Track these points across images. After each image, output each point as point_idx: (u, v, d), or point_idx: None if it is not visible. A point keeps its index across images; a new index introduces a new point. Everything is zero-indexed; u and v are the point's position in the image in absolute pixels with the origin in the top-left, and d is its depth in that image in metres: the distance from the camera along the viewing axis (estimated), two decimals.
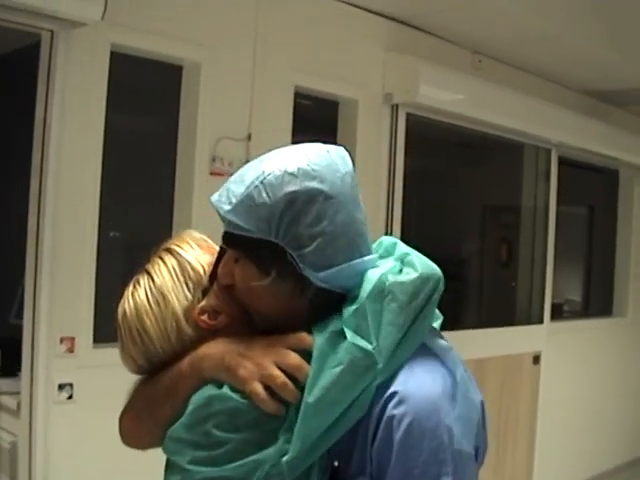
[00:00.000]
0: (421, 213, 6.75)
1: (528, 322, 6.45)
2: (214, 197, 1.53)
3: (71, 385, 3.63)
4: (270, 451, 1.43)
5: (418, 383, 1.44)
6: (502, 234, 7.11)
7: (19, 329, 3.73)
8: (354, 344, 1.42)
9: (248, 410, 1.46)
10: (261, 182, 1.46)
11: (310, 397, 1.41)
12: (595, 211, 8.31)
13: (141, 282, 1.65)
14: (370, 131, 4.98)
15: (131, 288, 1.66)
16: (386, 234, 4.90)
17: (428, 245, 6.57)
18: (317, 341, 1.45)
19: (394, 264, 1.54)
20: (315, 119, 5.18)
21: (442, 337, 1.59)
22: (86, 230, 3.69)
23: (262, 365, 1.47)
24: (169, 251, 1.67)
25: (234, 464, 1.44)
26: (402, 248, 1.60)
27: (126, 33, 3.76)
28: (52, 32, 3.54)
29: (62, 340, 3.60)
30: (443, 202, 7.00)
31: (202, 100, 4.06)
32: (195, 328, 1.60)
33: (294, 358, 1.46)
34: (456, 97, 5.31)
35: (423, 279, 1.52)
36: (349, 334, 1.44)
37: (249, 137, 4.15)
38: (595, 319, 7.84)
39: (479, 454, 1.55)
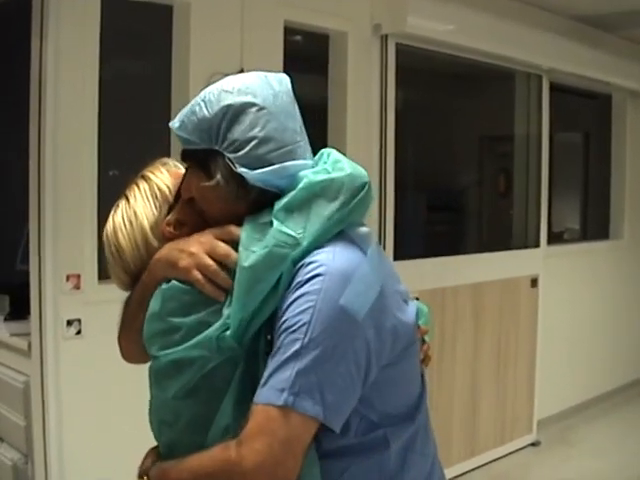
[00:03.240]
0: (418, 146, 6.80)
1: (525, 246, 6.51)
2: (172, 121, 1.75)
3: (79, 321, 3.73)
4: (215, 326, 1.61)
5: (334, 256, 1.59)
6: (499, 163, 7.17)
7: (25, 274, 3.81)
8: (279, 230, 1.60)
9: (193, 294, 1.66)
10: (202, 100, 1.69)
11: (237, 276, 1.60)
12: (590, 137, 8.34)
13: (120, 205, 1.87)
14: (361, 64, 5.00)
15: (112, 212, 1.88)
16: (380, 168, 4.97)
17: (426, 178, 6.71)
18: (246, 230, 1.64)
19: (324, 167, 1.70)
20: (307, 56, 5.21)
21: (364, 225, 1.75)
22: (86, 169, 3.75)
23: (197, 255, 1.67)
24: (143, 177, 1.90)
25: (189, 343, 1.63)
26: (335, 155, 1.76)
27: None
28: None
29: (68, 277, 3.68)
30: (440, 134, 7.04)
31: (193, 38, 4.09)
32: (161, 241, 1.79)
33: (222, 247, 1.67)
34: (445, 25, 5.30)
35: (350, 177, 1.68)
36: (276, 223, 1.61)
37: (241, 72, 4.16)
38: (592, 242, 7.94)
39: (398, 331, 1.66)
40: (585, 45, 6.61)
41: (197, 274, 1.65)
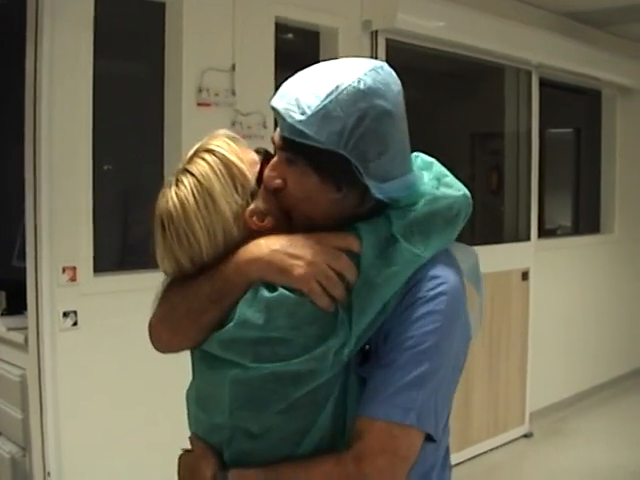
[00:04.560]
0: (410, 144, 6.83)
1: (516, 240, 6.56)
2: (279, 105, 1.58)
3: (75, 312, 3.76)
4: (334, 342, 1.53)
5: (451, 272, 1.61)
6: (491, 160, 7.20)
7: (22, 271, 3.84)
8: (409, 250, 1.56)
9: (306, 307, 1.55)
10: (336, 97, 1.53)
11: (363, 292, 1.55)
12: (581, 133, 8.39)
13: (185, 182, 1.64)
14: None
15: (173, 187, 1.65)
16: None
17: None
18: (367, 244, 1.57)
19: (434, 182, 1.69)
20: (298, 54, 5.25)
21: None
22: (81, 164, 3.79)
23: (316, 265, 1.55)
24: (210, 151, 1.67)
25: (301, 358, 1.54)
26: (438, 167, 1.75)
27: None
28: None
29: (64, 270, 3.72)
30: (431, 131, 7.08)
31: (186, 34, 4.13)
32: (241, 231, 1.63)
33: (346, 260, 1.57)
34: (435, 22, 5.34)
35: (465, 198, 1.70)
36: (402, 240, 1.57)
37: (233, 67, 4.24)
38: (583, 236, 8.00)
39: None
40: (574, 41, 6.64)
41: (316, 286, 1.54)
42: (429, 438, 1.57)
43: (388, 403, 1.51)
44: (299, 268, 1.55)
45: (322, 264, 1.55)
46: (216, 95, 4.17)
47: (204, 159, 1.65)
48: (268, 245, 1.59)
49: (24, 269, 3.81)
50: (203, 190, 1.62)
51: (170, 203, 1.64)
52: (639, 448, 6.21)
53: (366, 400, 1.54)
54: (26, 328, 3.83)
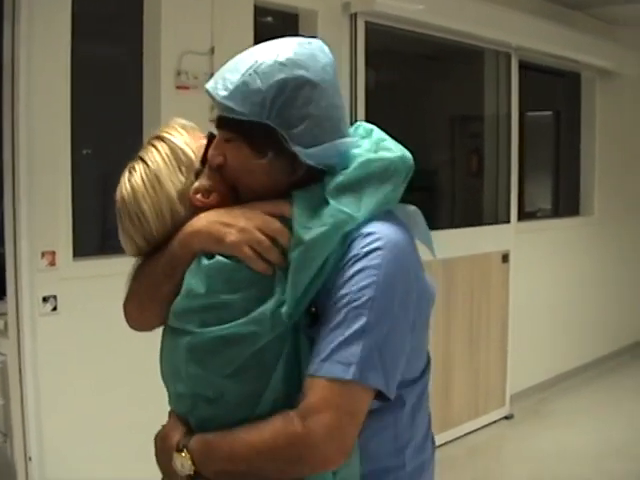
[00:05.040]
0: (388, 126, 6.84)
1: (496, 222, 6.58)
2: (209, 85, 1.70)
3: (55, 297, 3.75)
4: (270, 304, 1.60)
5: (389, 229, 1.64)
6: (471, 143, 7.21)
7: (1, 256, 3.84)
8: (339, 209, 1.61)
9: (242, 271, 1.63)
10: (254, 70, 1.64)
11: (295, 252, 1.60)
12: (561, 115, 8.42)
13: (136, 168, 1.77)
14: (331, 43, 4.94)
15: (127, 174, 1.78)
16: None
17: None
18: (299, 207, 1.64)
19: (371, 146, 1.73)
20: (277, 37, 5.23)
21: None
22: (60, 148, 3.77)
23: (247, 231, 1.64)
24: (160, 138, 1.80)
25: (242, 319, 1.61)
26: (377, 132, 1.80)
27: None
28: None
29: (43, 254, 3.71)
30: (410, 115, 7.08)
31: (164, 16, 4.11)
32: (187, 209, 1.74)
33: (277, 224, 1.65)
34: (414, 4, 5.32)
35: (402, 159, 1.73)
36: (332, 202, 1.62)
37: (212, 50, 4.22)
38: (563, 219, 8.06)
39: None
40: (554, 23, 6.66)
41: (247, 250, 1.63)
42: (384, 398, 1.61)
43: (329, 360, 1.55)
44: (231, 235, 1.64)
45: (253, 230, 1.64)
46: (195, 78, 4.15)
47: (154, 146, 1.79)
48: (207, 217, 1.70)
49: (3, 254, 3.79)
50: (151, 173, 1.75)
51: (124, 189, 1.78)
52: (620, 429, 6.27)
53: (311, 360, 1.58)
54: (5, 314, 3.82)
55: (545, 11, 6.77)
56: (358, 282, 1.57)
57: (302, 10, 4.97)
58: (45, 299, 3.73)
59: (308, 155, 1.65)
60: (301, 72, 1.65)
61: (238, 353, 1.62)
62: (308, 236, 1.59)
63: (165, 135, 1.80)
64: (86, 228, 4.18)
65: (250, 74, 1.64)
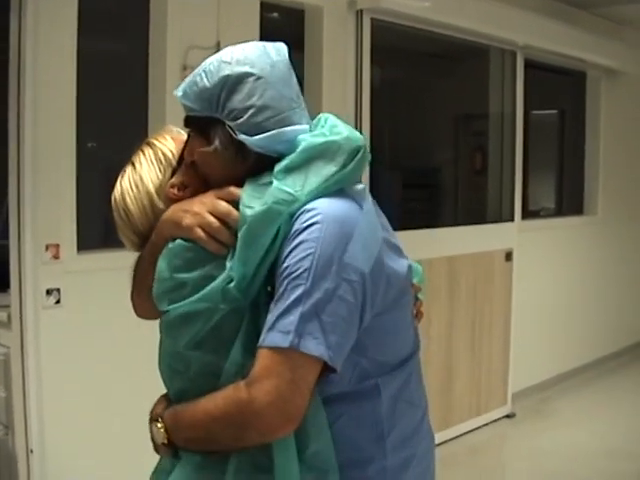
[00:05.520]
0: (394, 124, 6.84)
1: (499, 220, 6.57)
2: (177, 90, 1.85)
3: (58, 290, 3.76)
4: (219, 279, 1.71)
5: (332, 204, 1.69)
6: (475, 141, 7.21)
7: (5, 249, 3.83)
8: (278, 188, 1.69)
9: (196, 251, 1.76)
10: (203, 70, 1.79)
11: (241, 231, 1.69)
12: (566, 114, 8.41)
13: (126, 171, 1.96)
14: (336, 39, 5.02)
15: (120, 177, 1.97)
16: None
17: (402, 155, 6.76)
18: (246, 190, 1.74)
19: (322, 131, 1.80)
20: (283, 33, 5.23)
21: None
22: (65, 141, 3.78)
23: (199, 214, 1.77)
24: (148, 144, 1.98)
25: (194, 297, 1.73)
26: (332, 120, 1.85)
27: None
28: None
29: (47, 247, 3.71)
30: (415, 112, 7.09)
31: (170, 11, 4.12)
32: (166, 202, 1.89)
33: (223, 206, 1.77)
34: (420, 1, 5.31)
35: (347, 140, 1.78)
36: (275, 182, 1.71)
37: (218, 45, 4.21)
38: (566, 217, 8.05)
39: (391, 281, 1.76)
40: (560, 22, 6.65)
41: (199, 231, 1.75)
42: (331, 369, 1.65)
43: (271, 330, 1.62)
44: (186, 219, 1.78)
45: (205, 213, 1.77)
46: None
47: (142, 151, 1.98)
48: (174, 207, 1.85)
49: (7, 247, 3.80)
50: (136, 174, 1.94)
51: (116, 190, 1.96)
52: (620, 429, 6.28)
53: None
54: (9, 306, 3.82)
55: (551, 9, 6.75)
56: (296, 255, 1.64)
57: (308, 6, 4.95)
58: (49, 292, 3.74)
59: (254, 142, 1.75)
60: (244, 68, 1.77)
61: (198, 328, 1.73)
62: (250, 214, 1.68)
63: (152, 141, 1.99)
64: (90, 221, 4.18)
65: (200, 74, 1.79)
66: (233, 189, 1.77)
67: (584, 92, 8.06)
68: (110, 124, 4.42)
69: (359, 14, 5.11)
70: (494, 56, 6.68)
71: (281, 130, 1.76)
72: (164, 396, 1.91)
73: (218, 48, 4.20)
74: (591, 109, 8.05)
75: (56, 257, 3.74)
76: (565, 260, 7.46)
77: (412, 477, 1.83)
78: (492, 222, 6.55)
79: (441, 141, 7.52)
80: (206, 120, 1.78)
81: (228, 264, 1.71)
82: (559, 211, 8.37)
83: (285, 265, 1.65)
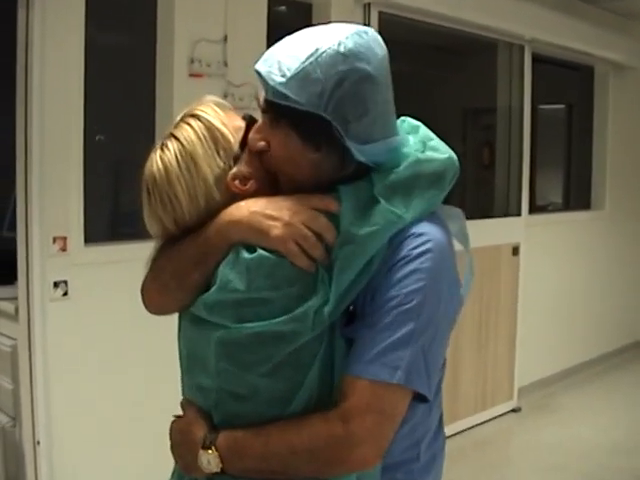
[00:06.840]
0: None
1: (507, 214, 6.57)
2: (262, 68, 1.61)
3: (65, 282, 3.76)
4: (313, 302, 1.54)
5: (437, 231, 1.61)
6: (483, 135, 7.21)
7: (12, 242, 3.84)
8: (389, 210, 1.56)
9: (285, 267, 1.56)
10: (316, 59, 1.56)
11: (342, 250, 1.56)
12: (574, 109, 8.40)
13: (170, 146, 1.67)
14: None
15: (159, 151, 1.69)
16: None
17: None
18: (347, 204, 1.58)
19: (419, 145, 1.69)
20: (290, 26, 5.23)
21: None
22: (73, 134, 3.77)
23: (293, 225, 1.57)
24: (195, 116, 1.69)
25: (282, 318, 1.55)
26: (424, 129, 1.76)
27: None
28: None
29: (55, 240, 3.71)
30: (424, 106, 7.07)
31: (178, 4, 4.11)
32: (223, 195, 1.65)
33: (324, 220, 1.58)
34: None
35: (450, 161, 1.70)
36: (383, 201, 1.57)
37: (225, 39, 4.22)
38: (574, 212, 8.04)
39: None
40: (568, 16, 6.64)
41: (294, 246, 1.56)
42: (422, 399, 1.59)
43: (375, 362, 1.52)
44: (276, 229, 1.57)
45: (299, 225, 1.57)
46: (208, 66, 4.15)
47: (189, 124, 1.68)
48: (248, 207, 1.61)
49: (14, 239, 3.80)
50: (186, 154, 1.65)
51: (154, 167, 1.68)
52: (625, 424, 6.28)
53: (353, 360, 1.56)
54: (16, 298, 3.82)
55: (559, 3, 6.72)
56: (408, 285, 1.54)
57: (315, 0, 4.94)
58: (56, 284, 3.74)
59: (361, 152, 1.59)
60: (362, 65, 1.57)
61: (275, 351, 1.57)
62: (359, 235, 1.54)
63: (200, 113, 1.69)
64: (98, 214, 4.19)
65: (311, 62, 1.56)
66: (331, 200, 1.59)
67: (592, 86, 8.03)
68: (117, 117, 4.43)
69: (366, 7, 5.10)
70: (502, 50, 6.66)
71: (388, 141, 1.62)
72: (198, 413, 1.69)
73: (226, 41, 4.21)
74: (599, 103, 8.03)
75: (63, 249, 3.74)
76: (572, 255, 7.45)
77: (433, 476, 1.80)
78: (499, 216, 6.56)
79: (449, 135, 7.43)
80: (306, 115, 1.57)
81: (320, 285, 1.55)
82: (566, 206, 8.36)
83: (394, 294, 1.54)
